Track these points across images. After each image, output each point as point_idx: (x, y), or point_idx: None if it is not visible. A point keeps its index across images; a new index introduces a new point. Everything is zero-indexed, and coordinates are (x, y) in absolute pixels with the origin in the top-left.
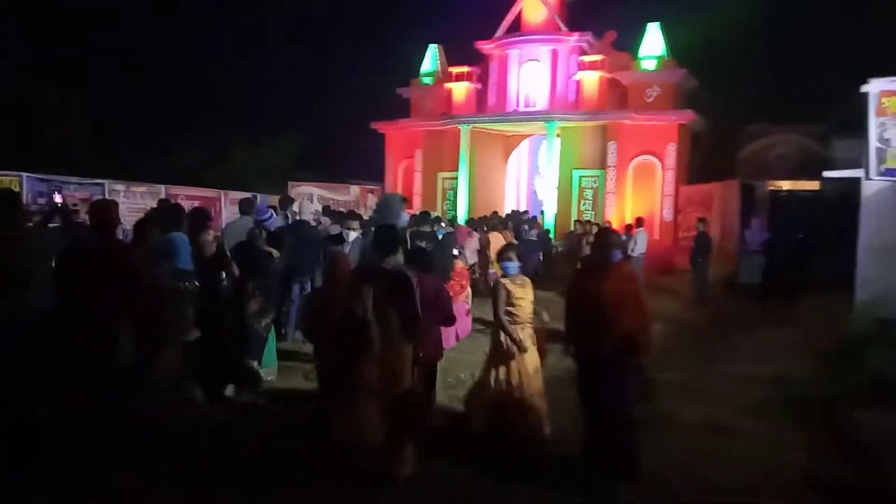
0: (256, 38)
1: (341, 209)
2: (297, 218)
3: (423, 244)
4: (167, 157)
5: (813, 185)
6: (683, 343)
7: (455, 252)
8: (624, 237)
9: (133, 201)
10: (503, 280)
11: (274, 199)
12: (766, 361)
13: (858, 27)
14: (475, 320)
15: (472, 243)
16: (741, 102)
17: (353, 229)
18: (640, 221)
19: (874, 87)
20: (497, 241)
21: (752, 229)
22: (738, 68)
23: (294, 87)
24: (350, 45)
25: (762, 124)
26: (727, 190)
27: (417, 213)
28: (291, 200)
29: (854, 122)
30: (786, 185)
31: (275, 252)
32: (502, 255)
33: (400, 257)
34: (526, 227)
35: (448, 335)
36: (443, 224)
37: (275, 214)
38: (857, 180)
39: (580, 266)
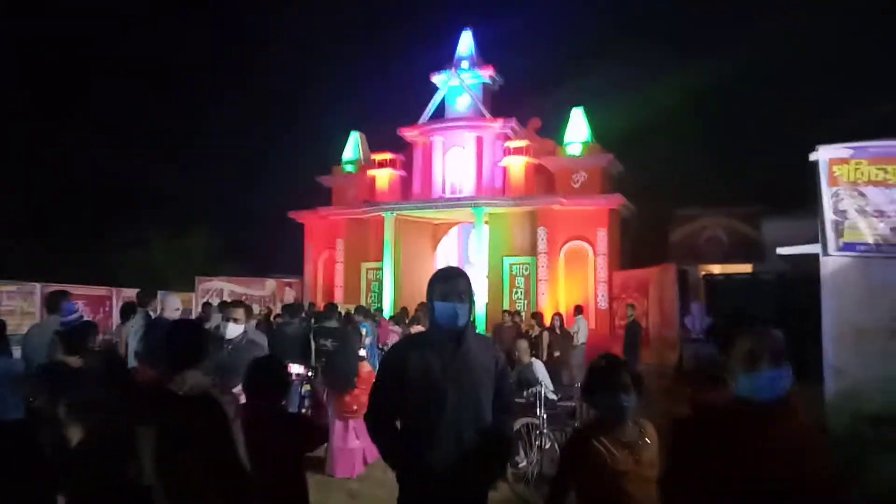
0: (176, 125)
1: (226, 300)
2: (157, 316)
3: (329, 344)
4: (84, 254)
5: (745, 267)
6: None
7: (362, 353)
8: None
9: None
10: (599, 442)
11: (187, 297)
12: None
13: (787, 105)
14: None
15: (395, 339)
16: (670, 186)
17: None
18: (579, 309)
19: (823, 154)
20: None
21: (692, 315)
22: (664, 151)
23: (213, 179)
24: (270, 133)
25: (692, 207)
26: (663, 275)
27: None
28: (153, 296)
29: (783, 201)
30: (716, 268)
31: (73, 360)
32: (603, 381)
33: (198, 375)
34: None
35: (352, 459)
36: (359, 318)
37: (81, 313)
38: (804, 259)
39: (697, 409)
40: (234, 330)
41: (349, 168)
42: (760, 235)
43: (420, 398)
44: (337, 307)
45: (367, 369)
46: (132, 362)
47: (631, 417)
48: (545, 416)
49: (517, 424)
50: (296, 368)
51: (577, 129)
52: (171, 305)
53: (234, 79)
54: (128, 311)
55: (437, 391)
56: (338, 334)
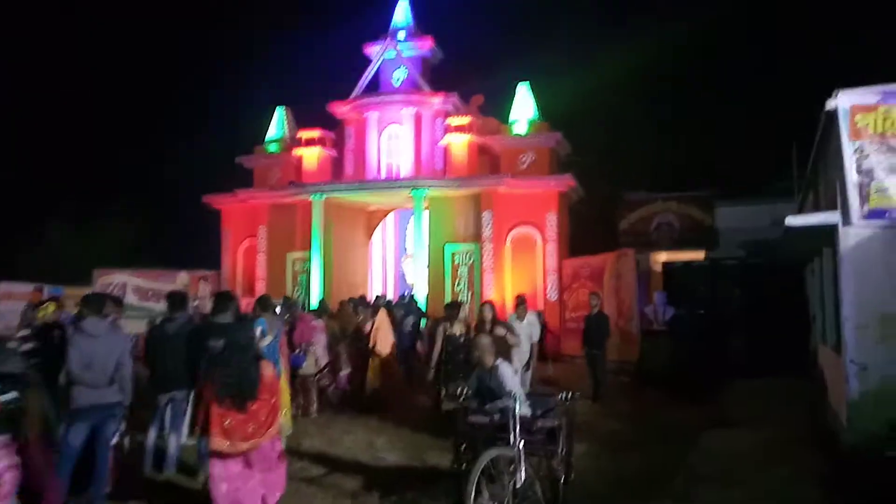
0: (81, 98)
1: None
2: None
3: (221, 345)
4: None
5: (697, 255)
6: (631, 475)
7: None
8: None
9: None
10: None
11: (79, 293)
12: (763, 493)
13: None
14: (294, 456)
15: (321, 337)
16: (618, 169)
17: None
18: (523, 299)
19: (844, 101)
20: (384, 325)
21: (654, 305)
22: (611, 132)
23: (123, 161)
24: (187, 111)
25: (642, 192)
26: (621, 261)
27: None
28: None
29: (736, 185)
30: (663, 255)
31: None
32: None
33: None
34: (402, 312)
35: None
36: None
37: None
38: (763, 245)
39: None
40: None
41: (273, 147)
42: (714, 221)
43: None
44: (231, 297)
45: (270, 372)
46: None
47: None
48: (521, 443)
49: (483, 459)
50: None
51: (523, 106)
52: None
53: (148, 50)
54: None
55: None
56: (230, 331)
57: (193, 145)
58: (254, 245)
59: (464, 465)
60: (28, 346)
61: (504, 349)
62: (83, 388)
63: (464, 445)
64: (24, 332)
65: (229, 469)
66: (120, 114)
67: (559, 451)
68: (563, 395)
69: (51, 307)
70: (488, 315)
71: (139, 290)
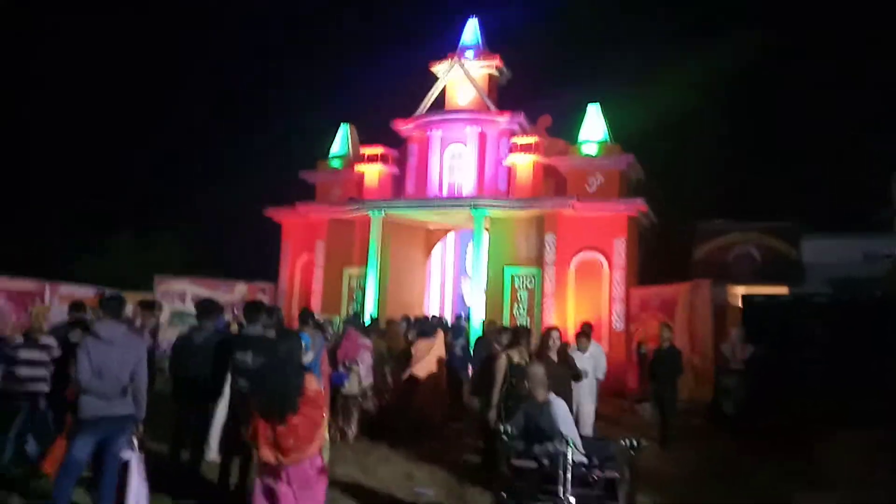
0: (144, 114)
1: None
2: None
3: (249, 359)
4: (27, 245)
5: (780, 289)
6: None
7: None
8: (575, 349)
9: None
10: None
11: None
12: None
13: (821, 117)
14: (336, 484)
15: (366, 356)
16: (694, 195)
17: None
18: (587, 329)
19: None
20: (440, 349)
21: (731, 342)
22: (688, 157)
23: (189, 175)
24: (253, 127)
25: (719, 221)
26: (695, 293)
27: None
28: None
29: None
30: (741, 289)
31: None
32: None
33: None
34: (450, 335)
35: None
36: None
37: None
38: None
39: None
40: None
41: (336, 163)
42: (799, 254)
43: None
44: (265, 308)
45: (315, 386)
46: None
47: None
48: (571, 499)
49: None
50: None
51: (593, 127)
52: None
53: (216, 64)
54: None
55: None
56: (264, 345)
57: (259, 159)
58: (312, 259)
59: None
60: (26, 354)
61: (562, 384)
62: (92, 397)
63: (505, 493)
64: (18, 341)
65: (266, 484)
66: (188, 127)
67: None
68: (626, 442)
69: (42, 311)
70: (557, 343)
71: (198, 299)
